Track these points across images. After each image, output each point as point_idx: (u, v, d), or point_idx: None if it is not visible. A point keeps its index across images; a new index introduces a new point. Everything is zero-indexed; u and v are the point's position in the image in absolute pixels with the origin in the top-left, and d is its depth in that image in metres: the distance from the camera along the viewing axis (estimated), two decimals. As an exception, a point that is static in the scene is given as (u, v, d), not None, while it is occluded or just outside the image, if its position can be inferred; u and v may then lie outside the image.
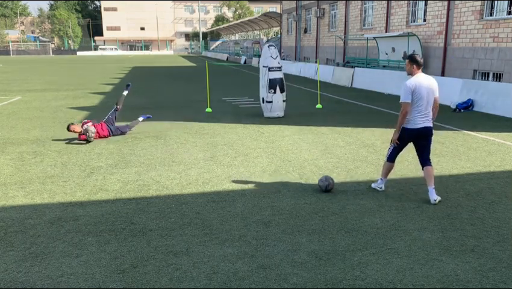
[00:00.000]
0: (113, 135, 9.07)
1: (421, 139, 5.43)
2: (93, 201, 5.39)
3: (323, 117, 11.75)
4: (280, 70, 11.38)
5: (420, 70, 5.38)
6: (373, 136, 9.12)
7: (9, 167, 6.91)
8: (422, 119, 5.32)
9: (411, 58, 5.39)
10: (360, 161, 7.22)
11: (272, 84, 11.19)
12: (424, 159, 5.47)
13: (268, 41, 51.06)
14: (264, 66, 11.31)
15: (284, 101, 11.48)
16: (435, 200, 5.30)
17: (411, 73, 5.40)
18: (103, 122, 9.08)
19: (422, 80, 5.31)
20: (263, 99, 11.45)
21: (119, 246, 4.18)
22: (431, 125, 5.42)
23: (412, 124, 5.33)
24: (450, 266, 3.79)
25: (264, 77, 11.28)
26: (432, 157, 7.38)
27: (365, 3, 24.20)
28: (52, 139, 8.87)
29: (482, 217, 4.88)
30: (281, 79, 11.35)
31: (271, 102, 11.30)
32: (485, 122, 10.86)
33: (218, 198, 5.49)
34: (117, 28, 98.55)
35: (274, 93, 11.22)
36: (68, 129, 8.61)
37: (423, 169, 5.49)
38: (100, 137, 8.83)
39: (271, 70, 11.16)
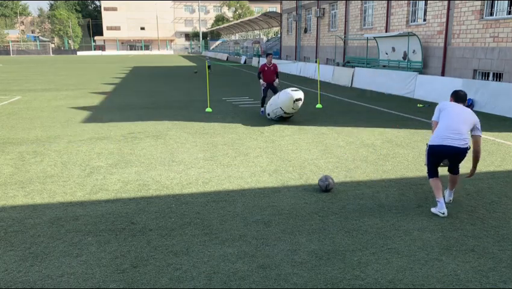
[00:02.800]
0: None
1: None
2: (93, 201, 5.40)
3: (323, 117, 11.75)
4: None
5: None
6: (373, 136, 9.12)
7: (9, 167, 6.91)
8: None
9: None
10: (360, 161, 7.22)
11: (281, 117, 10.88)
12: None
13: (268, 40, 50.97)
14: (280, 108, 10.51)
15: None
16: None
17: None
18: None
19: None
20: (268, 114, 11.09)
21: (119, 246, 4.18)
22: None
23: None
24: (450, 266, 3.79)
25: (276, 111, 10.70)
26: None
27: (365, 3, 24.19)
28: (52, 140, 8.87)
29: (482, 217, 4.88)
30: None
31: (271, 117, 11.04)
32: (485, 122, 10.84)
33: (218, 198, 5.49)
34: (117, 28, 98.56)
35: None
36: (267, 55, 10.91)
37: None
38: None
39: (285, 113, 10.61)
